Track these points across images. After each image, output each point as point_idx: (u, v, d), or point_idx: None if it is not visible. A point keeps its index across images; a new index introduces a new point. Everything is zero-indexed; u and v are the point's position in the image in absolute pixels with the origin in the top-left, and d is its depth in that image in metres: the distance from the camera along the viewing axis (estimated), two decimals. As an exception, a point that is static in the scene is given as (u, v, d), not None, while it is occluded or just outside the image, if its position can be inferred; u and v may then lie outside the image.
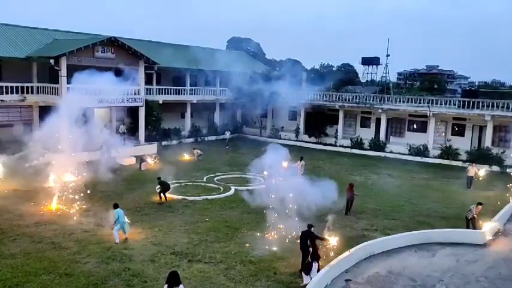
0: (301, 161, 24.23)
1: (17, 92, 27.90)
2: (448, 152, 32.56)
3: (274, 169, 21.42)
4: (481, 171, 25.89)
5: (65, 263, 12.80)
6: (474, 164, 25.67)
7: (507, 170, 27.99)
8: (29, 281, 11.68)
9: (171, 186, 21.40)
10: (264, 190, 20.50)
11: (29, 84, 28.56)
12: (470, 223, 16.90)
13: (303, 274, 12.17)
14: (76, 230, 15.48)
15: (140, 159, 26.78)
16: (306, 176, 21.24)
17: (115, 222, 14.75)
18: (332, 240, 13.96)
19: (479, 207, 17.04)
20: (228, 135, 37.66)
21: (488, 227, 16.58)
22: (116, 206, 15.14)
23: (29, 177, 21.72)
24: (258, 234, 15.61)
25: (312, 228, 12.98)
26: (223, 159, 30.19)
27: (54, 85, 27.92)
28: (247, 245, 14.68)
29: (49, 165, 21.82)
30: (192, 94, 38.78)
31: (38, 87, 28.84)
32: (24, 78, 28.42)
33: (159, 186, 19.40)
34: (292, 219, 15.82)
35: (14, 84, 27.75)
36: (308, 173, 23.55)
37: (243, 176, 24.73)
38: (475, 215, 16.86)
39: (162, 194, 19.40)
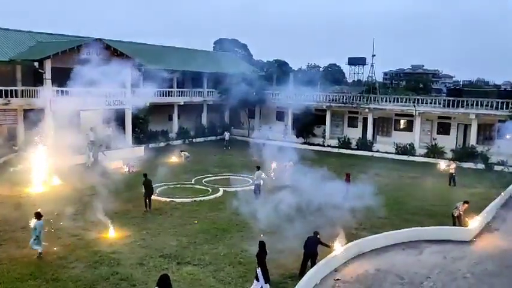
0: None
1: (0, 96, 27.46)
2: (434, 151, 32.98)
3: (263, 170, 21.52)
4: (444, 163, 26.04)
5: (52, 268, 12.65)
6: (450, 160, 26.27)
7: (494, 168, 28.56)
8: (16, 287, 11.52)
9: (160, 188, 21.30)
10: (253, 191, 20.60)
11: (13, 88, 28.07)
12: (457, 220, 17.13)
13: (255, 280, 11.38)
14: (63, 234, 15.29)
15: (128, 162, 26.57)
16: (295, 177, 21.32)
17: (34, 234, 13.27)
18: (337, 247, 13.68)
19: (466, 205, 17.28)
20: (227, 136, 37.59)
21: (474, 224, 16.82)
22: (38, 217, 13.54)
23: (14, 182, 21.39)
24: (247, 235, 15.59)
25: (318, 236, 13.03)
26: (211, 160, 30.10)
27: (38, 88, 27.56)
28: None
29: (34, 169, 21.56)
30: (179, 96, 38.67)
31: (22, 90, 28.36)
32: (8, 82, 27.95)
33: (144, 192, 18.60)
34: (281, 219, 15.86)
35: (-2, 88, 27.34)
36: (296, 173, 23.56)
37: (232, 177, 24.65)
38: (461, 213, 17.10)
39: (147, 200, 18.43)
